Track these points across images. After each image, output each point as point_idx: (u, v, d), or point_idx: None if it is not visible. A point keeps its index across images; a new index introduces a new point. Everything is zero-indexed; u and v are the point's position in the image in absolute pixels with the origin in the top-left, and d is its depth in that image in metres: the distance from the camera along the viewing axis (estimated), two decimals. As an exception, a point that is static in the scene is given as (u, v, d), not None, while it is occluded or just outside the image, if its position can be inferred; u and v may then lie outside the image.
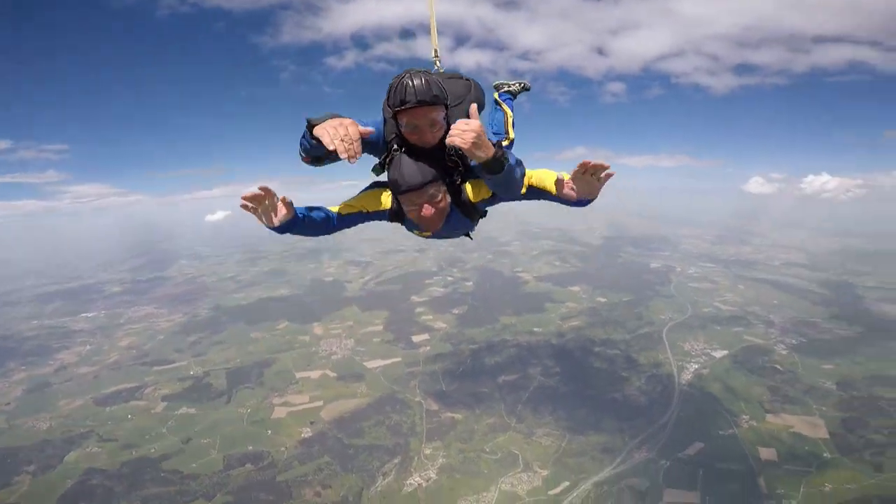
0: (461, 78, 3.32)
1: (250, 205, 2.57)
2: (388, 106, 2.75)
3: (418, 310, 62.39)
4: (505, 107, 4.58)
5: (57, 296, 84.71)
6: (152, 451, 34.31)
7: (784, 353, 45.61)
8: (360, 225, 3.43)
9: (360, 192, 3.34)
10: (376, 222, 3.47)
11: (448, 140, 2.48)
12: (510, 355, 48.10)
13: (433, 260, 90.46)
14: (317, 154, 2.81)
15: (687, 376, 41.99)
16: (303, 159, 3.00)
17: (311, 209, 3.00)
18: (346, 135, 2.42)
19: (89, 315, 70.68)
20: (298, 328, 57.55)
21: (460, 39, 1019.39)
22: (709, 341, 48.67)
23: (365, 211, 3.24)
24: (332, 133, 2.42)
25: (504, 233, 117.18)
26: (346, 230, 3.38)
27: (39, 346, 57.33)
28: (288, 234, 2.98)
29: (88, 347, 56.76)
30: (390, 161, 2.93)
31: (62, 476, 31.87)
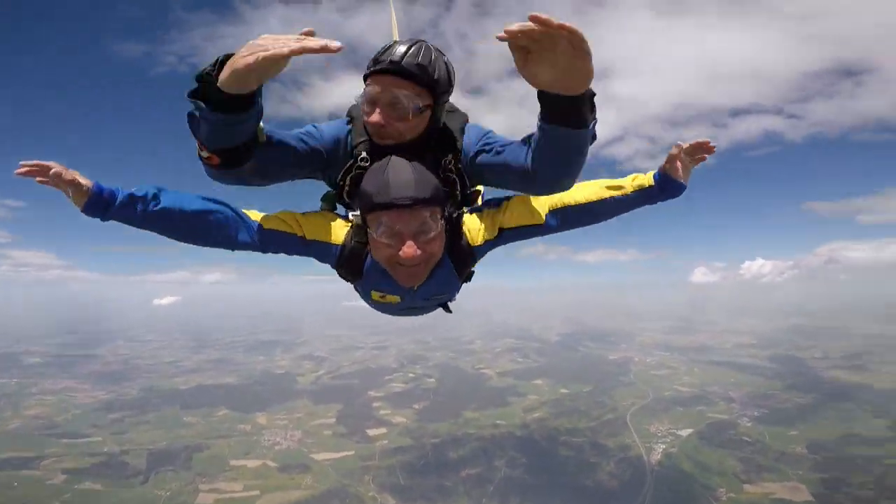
0: None
1: (37, 179, 1.69)
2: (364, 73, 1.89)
3: (376, 404, 58.94)
4: None
5: (-41, 358, 75.04)
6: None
7: (749, 425, 45.30)
8: (283, 258, 2.19)
9: (301, 212, 2.11)
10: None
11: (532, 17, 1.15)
12: (474, 448, 45.33)
13: (394, 357, 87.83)
14: (226, 136, 1.56)
15: (656, 457, 40.74)
16: (205, 162, 1.66)
17: (178, 201, 1.85)
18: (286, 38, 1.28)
19: (-6, 380, 62.87)
20: (240, 416, 52.59)
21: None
22: (673, 422, 48.07)
23: (300, 236, 2.00)
24: (269, 43, 1.26)
25: (467, 332, 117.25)
26: (260, 254, 2.06)
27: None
28: (130, 227, 1.86)
29: (-14, 412, 50.30)
30: (359, 172, 1.93)
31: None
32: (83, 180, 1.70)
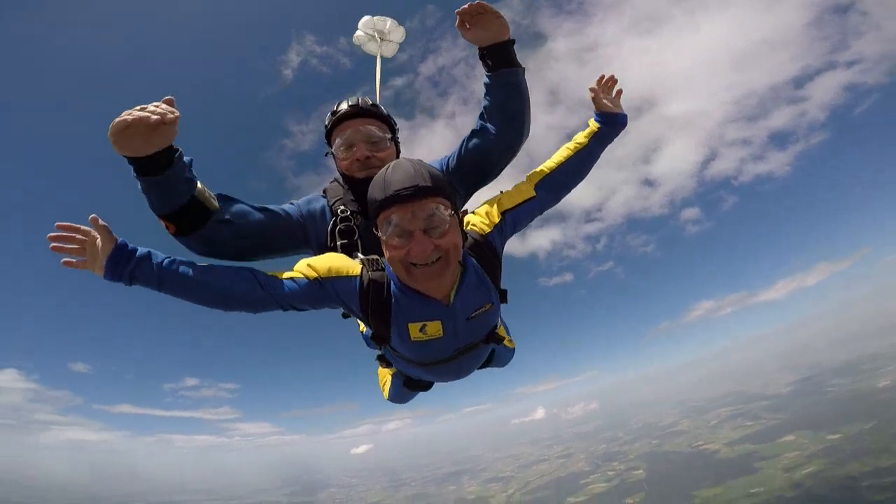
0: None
1: (66, 247, 1.63)
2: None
3: (580, 509, 50.21)
4: None
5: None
6: None
7: None
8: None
9: (311, 258, 1.92)
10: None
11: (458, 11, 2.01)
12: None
13: (585, 461, 77.69)
14: (165, 201, 1.72)
15: None
16: (168, 229, 1.80)
17: (179, 264, 1.71)
18: (144, 108, 1.53)
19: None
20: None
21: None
22: None
23: (314, 279, 1.74)
24: (127, 118, 1.50)
25: (664, 417, 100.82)
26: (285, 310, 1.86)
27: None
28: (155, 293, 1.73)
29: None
30: (344, 226, 2.04)
31: None
32: (112, 234, 1.65)
